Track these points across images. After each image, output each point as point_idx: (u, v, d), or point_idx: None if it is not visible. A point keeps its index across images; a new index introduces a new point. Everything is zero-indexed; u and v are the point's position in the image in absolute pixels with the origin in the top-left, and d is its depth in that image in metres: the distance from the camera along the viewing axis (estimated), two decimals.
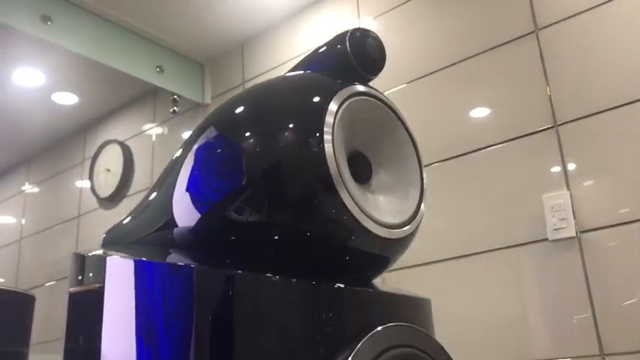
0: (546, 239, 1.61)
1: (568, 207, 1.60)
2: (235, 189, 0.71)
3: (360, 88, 0.71)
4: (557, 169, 1.64)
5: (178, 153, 0.84)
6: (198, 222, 0.74)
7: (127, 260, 0.77)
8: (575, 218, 1.58)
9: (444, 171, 1.86)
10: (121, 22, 2.40)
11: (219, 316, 0.62)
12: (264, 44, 2.54)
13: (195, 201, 0.76)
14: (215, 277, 0.63)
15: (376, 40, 0.75)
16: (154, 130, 2.88)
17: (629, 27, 1.59)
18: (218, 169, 0.73)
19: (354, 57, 0.72)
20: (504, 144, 1.75)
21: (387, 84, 2.05)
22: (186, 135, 2.71)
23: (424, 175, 0.75)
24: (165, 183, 0.86)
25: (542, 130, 1.69)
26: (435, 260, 1.81)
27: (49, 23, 2.17)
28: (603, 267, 1.52)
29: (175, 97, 2.60)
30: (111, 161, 2.94)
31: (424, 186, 0.74)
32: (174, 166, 0.82)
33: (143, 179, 2.83)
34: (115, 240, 1.00)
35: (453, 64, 1.91)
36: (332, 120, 0.65)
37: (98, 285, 0.75)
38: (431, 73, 1.96)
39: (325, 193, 0.64)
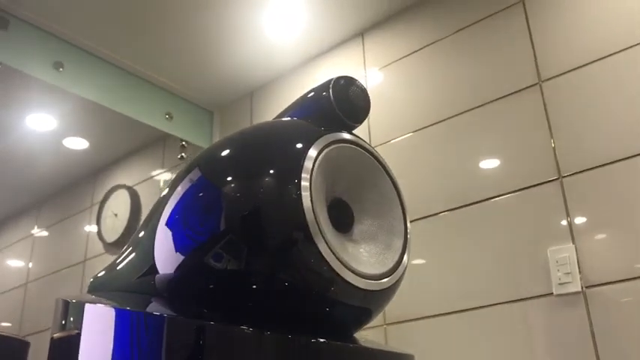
0: (552, 294, 1.57)
1: (573, 261, 1.56)
2: (215, 235, 0.69)
3: (344, 135, 0.70)
4: (562, 221, 1.61)
5: (165, 192, 0.83)
6: (178, 269, 0.73)
7: (104, 308, 0.76)
8: (580, 272, 1.54)
9: (449, 221, 1.83)
10: (131, 70, 2.45)
11: None
12: (273, 93, 2.57)
13: (176, 247, 0.75)
14: (186, 328, 0.62)
15: (360, 88, 0.74)
16: (162, 175, 2.89)
17: (633, 79, 1.59)
18: (199, 213, 0.72)
19: (337, 104, 0.71)
20: (509, 195, 1.73)
21: (394, 132, 2.05)
22: None
23: (408, 225, 0.73)
24: (149, 225, 0.86)
25: (546, 182, 1.66)
26: (439, 313, 1.76)
27: (60, 70, 2.22)
28: (610, 324, 1.47)
29: (184, 143, 2.62)
30: (118, 206, 2.94)
31: (408, 236, 0.72)
32: (159, 208, 0.82)
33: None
34: (101, 286, 0.99)
35: (457, 115, 1.91)
36: (310, 166, 0.64)
37: (76, 331, 0.75)
38: (436, 123, 1.96)
39: (302, 243, 0.62)
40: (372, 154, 0.73)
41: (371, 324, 1.94)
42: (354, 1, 2.14)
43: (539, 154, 1.70)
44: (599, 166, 1.58)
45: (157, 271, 0.79)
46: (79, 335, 0.74)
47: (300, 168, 0.63)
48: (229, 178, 0.70)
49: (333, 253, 0.62)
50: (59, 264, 3.25)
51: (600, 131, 1.61)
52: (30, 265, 3.48)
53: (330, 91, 0.71)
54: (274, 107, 2.53)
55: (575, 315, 1.52)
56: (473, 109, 1.88)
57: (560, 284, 1.56)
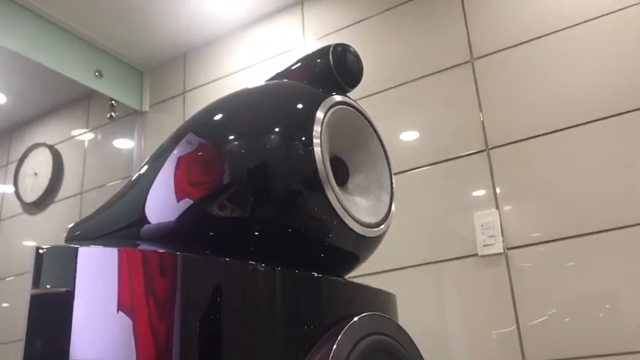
0: (476, 254, 1.72)
1: (497, 225, 1.72)
2: (218, 187, 0.74)
3: (343, 98, 0.77)
4: (487, 189, 1.76)
5: (150, 161, 0.86)
6: (177, 219, 0.76)
7: (100, 249, 0.76)
8: (502, 235, 1.70)
9: None
10: (60, 23, 2.36)
11: (206, 304, 0.65)
12: (207, 56, 2.56)
13: (174, 199, 0.79)
14: (202, 265, 0.66)
15: (355, 55, 0.81)
16: (86, 135, 2.82)
17: (557, 61, 1.75)
18: (201, 170, 0.76)
19: (336, 70, 0.78)
20: (440, 164, 1.86)
21: None
22: (120, 142, 2.69)
23: (394, 181, 0.81)
24: (136, 186, 0.87)
25: (475, 153, 1.81)
26: (370, 273, 1.88)
27: None
28: (527, 281, 1.64)
29: (113, 102, 2.57)
30: (39, 165, 2.84)
31: (393, 191, 0.80)
32: (148, 171, 0.84)
33: (73, 185, 2.76)
34: (79, 236, 0.99)
35: (392, 87, 2.02)
36: (320, 126, 0.70)
37: (66, 289, 0.73)
38: (370, 95, 2.05)
39: (313, 193, 0.68)
40: (365, 116, 0.80)
41: None
42: None
43: (469, 127, 1.84)
44: (523, 139, 1.74)
45: (145, 223, 0.82)
46: (69, 293, 0.73)
47: (310, 126, 0.70)
48: (232, 137, 0.74)
49: (340, 203, 0.69)
50: None
51: (526, 108, 1.76)
52: None
53: (330, 57, 0.77)
54: (208, 71, 2.53)
55: (497, 273, 1.68)
56: (407, 82, 1.99)
57: (484, 246, 1.72)
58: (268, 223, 0.72)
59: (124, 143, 2.70)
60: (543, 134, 1.72)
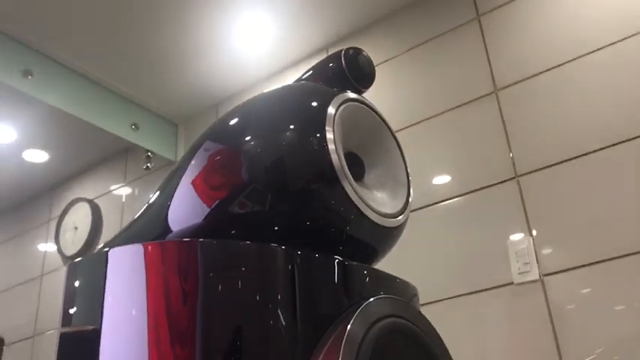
0: (512, 283, 1.69)
1: (531, 252, 1.69)
2: (237, 187, 0.76)
3: (355, 95, 0.79)
4: (519, 216, 1.74)
5: (172, 171, 0.89)
6: (200, 222, 0.78)
7: (126, 247, 0.78)
8: (538, 262, 1.67)
9: (416, 220, 1.93)
10: (99, 80, 2.49)
11: (228, 289, 0.65)
12: None
13: (197, 206, 0.81)
14: (222, 248, 0.66)
15: (366, 57, 0.84)
16: (124, 189, 2.90)
17: (579, 86, 1.76)
18: (219, 172, 0.78)
19: (349, 71, 0.80)
20: (470, 194, 1.86)
21: None
22: None
23: (409, 177, 0.82)
24: (155, 204, 0.90)
25: (504, 182, 1.80)
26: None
27: (29, 78, 2.23)
28: (566, 307, 1.59)
29: (149, 153, 2.66)
30: (79, 219, 2.92)
31: (410, 185, 0.81)
32: (169, 183, 0.87)
33: (111, 237, 2.82)
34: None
35: (419, 122, 2.04)
36: (332, 120, 0.72)
37: (92, 327, 0.74)
38: (397, 131, 2.07)
39: (329, 185, 0.70)
40: (378, 114, 0.82)
41: None
42: (319, 17, 2.26)
43: (497, 155, 1.84)
44: (551, 165, 1.73)
45: (169, 232, 0.85)
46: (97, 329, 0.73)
47: (322, 121, 0.72)
48: (248, 137, 0.77)
49: (357, 194, 0.70)
50: (13, 281, 3.18)
51: (552, 134, 1.76)
52: None
53: (342, 59, 0.80)
54: None
55: (534, 302, 1.64)
56: (435, 116, 2.02)
57: (519, 274, 1.69)
58: (287, 216, 0.73)
59: None
60: (571, 159, 1.71)
